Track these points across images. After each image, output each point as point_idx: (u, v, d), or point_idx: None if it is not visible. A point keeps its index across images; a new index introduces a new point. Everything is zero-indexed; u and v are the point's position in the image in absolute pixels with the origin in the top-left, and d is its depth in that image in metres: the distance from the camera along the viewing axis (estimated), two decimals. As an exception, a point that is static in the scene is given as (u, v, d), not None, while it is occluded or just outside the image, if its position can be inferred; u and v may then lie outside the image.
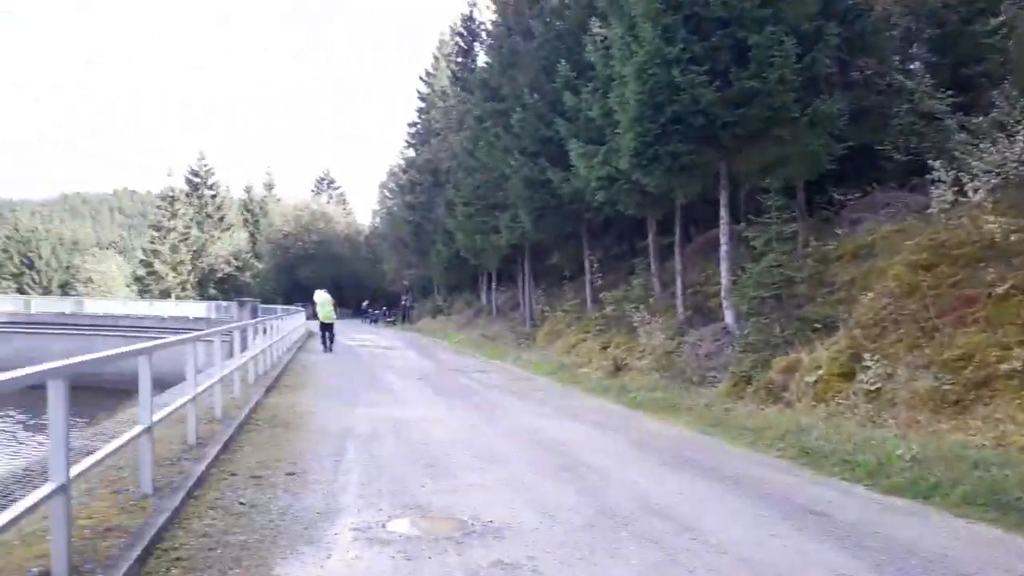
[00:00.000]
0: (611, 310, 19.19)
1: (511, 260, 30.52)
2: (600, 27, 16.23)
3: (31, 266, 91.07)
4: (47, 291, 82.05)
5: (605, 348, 18.30)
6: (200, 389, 7.82)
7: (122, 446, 5.03)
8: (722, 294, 13.68)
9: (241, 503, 5.49)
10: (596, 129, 16.47)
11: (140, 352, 5.48)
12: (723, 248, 13.54)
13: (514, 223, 24.41)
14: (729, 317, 13.37)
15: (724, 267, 13.51)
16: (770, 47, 11.53)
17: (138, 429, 5.30)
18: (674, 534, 5.03)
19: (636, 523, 5.27)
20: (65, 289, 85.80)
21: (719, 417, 10.07)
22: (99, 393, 14.92)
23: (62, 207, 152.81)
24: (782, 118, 11.85)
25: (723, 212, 13.50)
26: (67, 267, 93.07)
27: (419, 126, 49.86)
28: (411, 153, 51.08)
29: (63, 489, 3.67)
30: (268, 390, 12.41)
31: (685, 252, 16.93)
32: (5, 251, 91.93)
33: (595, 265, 22.31)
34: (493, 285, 36.50)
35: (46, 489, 3.62)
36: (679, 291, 16.07)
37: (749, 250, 13.36)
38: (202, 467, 6.23)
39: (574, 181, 18.40)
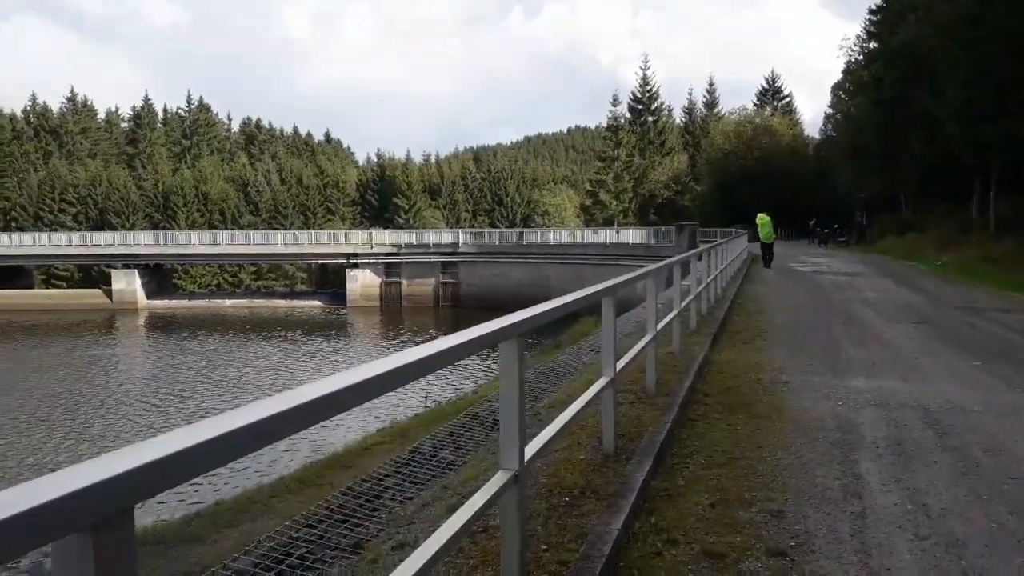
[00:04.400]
0: None
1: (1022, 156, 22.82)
2: None
3: (500, 202, 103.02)
4: (512, 224, 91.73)
5: None
6: (626, 360, 5.20)
7: (475, 515, 2.52)
8: None
9: (685, 661, 2.60)
10: None
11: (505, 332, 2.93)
12: None
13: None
14: None
15: None
16: None
17: (499, 481, 2.75)
18: None
19: None
20: (526, 221, 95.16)
21: None
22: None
23: (526, 148, 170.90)
24: None
25: None
26: (528, 202, 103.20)
27: (884, 11, 41.74)
28: (873, 45, 43.33)
29: None
30: (714, 339, 9.50)
31: None
32: (480, 190, 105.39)
33: None
34: (991, 191, 28.37)
35: None
36: None
37: None
38: (618, 523, 3.51)
39: None
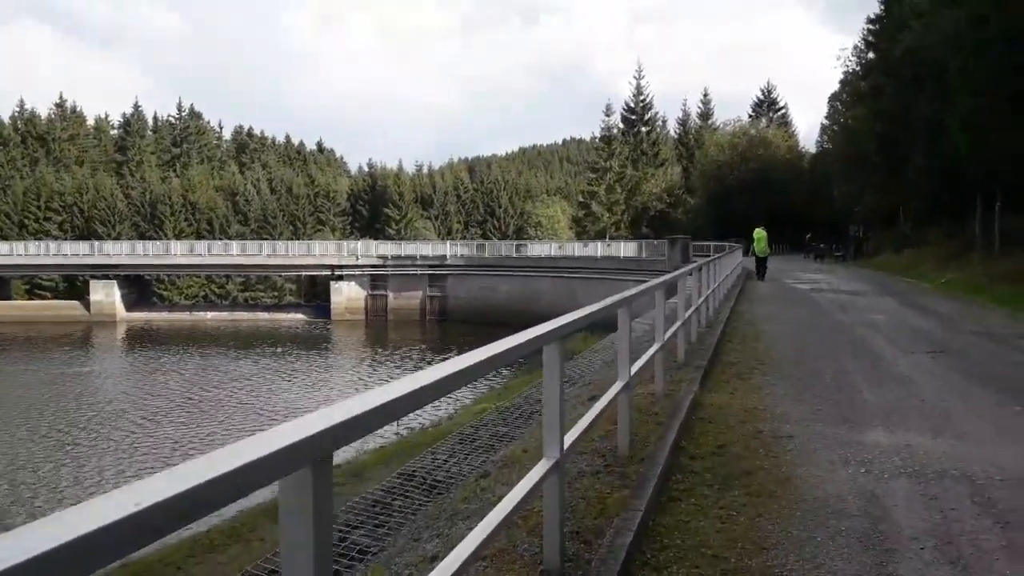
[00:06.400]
0: None
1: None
2: None
3: (492, 213, 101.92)
4: (504, 236, 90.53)
5: None
6: (584, 425, 3.90)
7: None
8: None
9: None
10: None
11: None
12: None
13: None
14: None
15: None
16: None
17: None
18: None
19: None
20: (519, 233, 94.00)
21: None
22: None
23: (520, 159, 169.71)
24: None
25: None
26: (521, 213, 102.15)
27: (883, 20, 40.75)
28: (871, 55, 42.41)
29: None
30: (705, 374, 8.20)
31: None
32: (472, 201, 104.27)
33: None
34: (996, 206, 27.19)
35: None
36: None
37: None
38: None
39: None
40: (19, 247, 59.91)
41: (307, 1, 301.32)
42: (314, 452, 1.44)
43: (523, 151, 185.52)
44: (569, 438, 3.51)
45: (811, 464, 5.14)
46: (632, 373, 5.21)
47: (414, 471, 6.30)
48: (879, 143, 35.34)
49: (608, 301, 4.87)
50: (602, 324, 5.31)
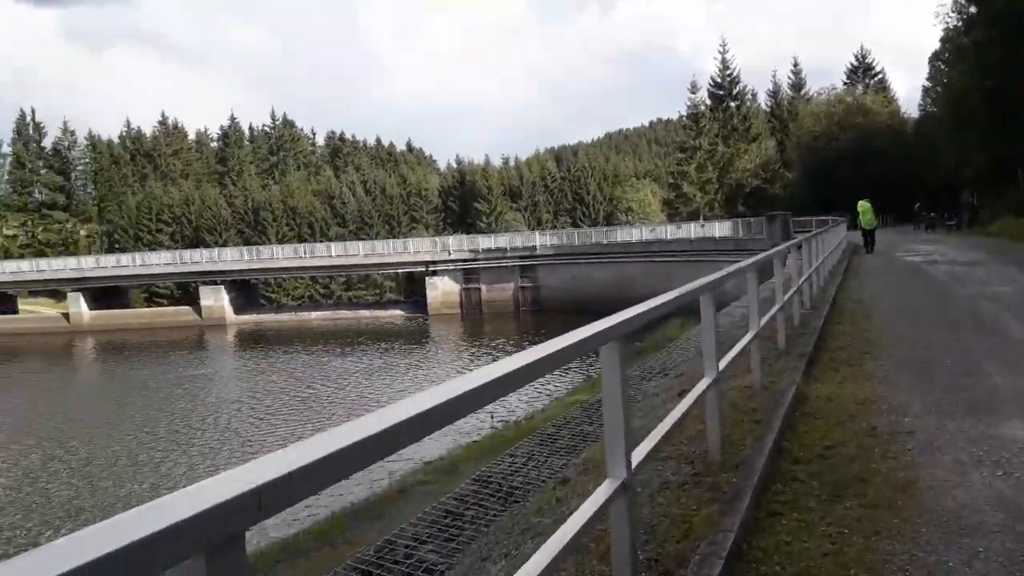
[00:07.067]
0: None
1: None
2: None
3: (581, 201, 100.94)
4: (594, 222, 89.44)
5: None
6: (665, 427, 3.43)
7: None
8: None
9: None
10: None
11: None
12: None
13: None
14: None
15: None
16: None
17: None
18: None
19: None
20: (609, 219, 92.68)
21: None
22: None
23: (607, 145, 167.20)
24: None
25: None
26: (610, 199, 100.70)
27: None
28: (973, 10, 39.31)
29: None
30: (810, 362, 7.47)
31: None
32: (560, 190, 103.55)
33: None
34: None
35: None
36: None
37: None
38: None
39: None
40: (138, 258, 63.68)
41: (385, 8, 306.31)
42: (206, 536, 1.05)
43: (609, 136, 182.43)
44: (641, 452, 3.04)
45: (937, 466, 4.46)
46: (721, 367, 4.67)
47: (490, 476, 5.96)
48: (986, 99, 32.79)
49: (687, 287, 4.34)
50: (691, 309, 4.80)
